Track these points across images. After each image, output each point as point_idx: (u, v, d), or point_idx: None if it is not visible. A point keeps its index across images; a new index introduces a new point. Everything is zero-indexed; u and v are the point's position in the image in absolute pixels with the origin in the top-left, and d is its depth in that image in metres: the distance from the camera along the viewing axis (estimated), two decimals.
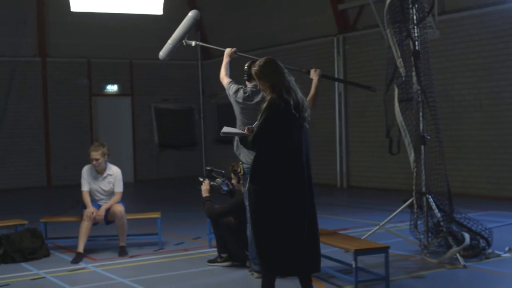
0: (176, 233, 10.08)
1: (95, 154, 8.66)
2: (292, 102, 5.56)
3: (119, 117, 20.15)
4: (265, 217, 5.49)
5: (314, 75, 6.99)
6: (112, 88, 19.92)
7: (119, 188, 8.79)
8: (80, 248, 8.33)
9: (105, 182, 8.75)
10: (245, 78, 7.17)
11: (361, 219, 11.14)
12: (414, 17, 8.22)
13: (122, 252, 8.57)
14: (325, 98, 16.76)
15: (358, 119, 16.27)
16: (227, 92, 7.28)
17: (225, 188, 7.80)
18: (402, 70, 8.09)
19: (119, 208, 8.60)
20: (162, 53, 7.98)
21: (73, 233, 9.42)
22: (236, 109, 7.11)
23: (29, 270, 7.86)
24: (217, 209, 7.61)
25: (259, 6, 18.76)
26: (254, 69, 5.83)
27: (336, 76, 16.39)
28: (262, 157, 5.55)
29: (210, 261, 7.87)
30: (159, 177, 20.25)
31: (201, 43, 7.99)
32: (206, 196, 7.77)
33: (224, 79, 7.40)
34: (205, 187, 7.79)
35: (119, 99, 20.16)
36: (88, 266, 7.99)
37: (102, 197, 8.77)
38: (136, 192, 17.72)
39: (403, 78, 8.10)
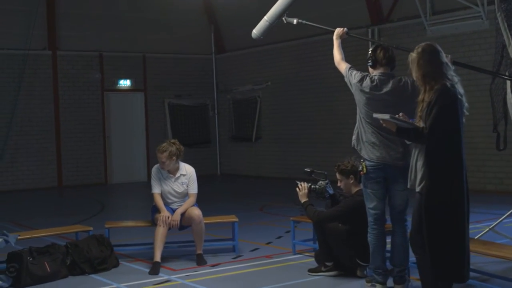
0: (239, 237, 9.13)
1: (161, 156, 7.77)
2: (459, 90, 5.05)
3: (132, 113, 19.19)
4: (443, 220, 4.88)
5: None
6: (125, 83, 18.95)
7: (194, 190, 7.91)
8: (157, 257, 7.44)
9: (178, 183, 7.87)
10: (370, 64, 6.32)
11: None
12: None
13: (201, 260, 7.70)
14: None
15: None
16: (347, 79, 6.42)
17: (331, 192, 6.97)
18: None
19: (197, 212, 7.73)
20: (256, 31, 7.07)
21: (134, 238, 8.59)
22: (360, 100, 6.24)
23: (105, 284, 6.96)
24: (327, 213, 6.78)
25: None
26: (413, 55, 5.07)
27: None
28: (437, 152, 4.87)
29: (312, 270, 7.04)
30: None
31: (305, 22, 6.99)
32: (306, 201, 6.93)
33: (341, 64, 6.55)
34: (303, 191, 6.94)
35: (132, 95, 19.18)
36: (172, 277, 7.11)
37: (175, 199, 7.89)
38: None
39: None
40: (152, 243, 8.25)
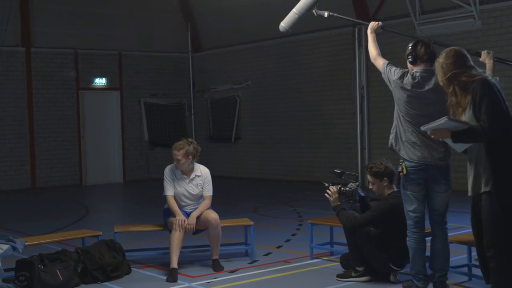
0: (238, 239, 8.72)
1: (177, 154, 7.37)
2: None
3: (107, 112, 18.64)
4: None
5: (487, 58, 5.84)
6: (100, 81, 18.37)
7: (209, 192, 7.53)
8: (174, 263, 7.03)
9: (193, 185, 7.48)
10: (410, 60, 6.01)
11: None
12: None
13: (217, 266, 7.32)
14: (345, 92, 15.86)
15: (381, 115, 15.35)
16: (384, 75, 6.13)
17: (362, 194, 6.68)
18: None
19: (213, 215, 7.35)
20: (284, 24, 6.72)
21: (139, 243, 8.19)
22: (400, 97, 5.95)
23: None
24: (362, 218, 6.47)
25: None
26: (439, 60, 5.10)
27: (357, 69, 15.46)
28: (502, 144, 4.77)
29: (340, 276, 6.75)
30: (148, 177, 18.82)
31: (336, 15, 6.67)
32: (338, 205, 6.63)
33: (378, 59, 6.26)
34: (334, 195, 6.64)
35: (108, 94, 18.62)
36: (192, 285, 6.72)
37: (189, 202, 7.50)
38: (139, 193, 16.32)
39: None
40: (162, 248, 7.99)
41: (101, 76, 18.33)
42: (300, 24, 16.82)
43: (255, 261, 7.71)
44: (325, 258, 7.74)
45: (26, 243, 6.91)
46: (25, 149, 17.13)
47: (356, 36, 15.49)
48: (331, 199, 6.63)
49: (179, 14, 19.67)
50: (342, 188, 6.66)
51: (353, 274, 6.64)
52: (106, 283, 6.87)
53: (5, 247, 6.62)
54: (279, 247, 8.55)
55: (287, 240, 9.02)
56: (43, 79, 17.39)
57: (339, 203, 6.62)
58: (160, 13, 19.03)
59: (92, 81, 18.20)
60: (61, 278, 6.64)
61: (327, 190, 6.66)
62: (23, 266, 6.59)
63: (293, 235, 9.46)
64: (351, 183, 6.67)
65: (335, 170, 6.83)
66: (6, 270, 6.61)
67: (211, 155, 18.90)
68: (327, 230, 8.06)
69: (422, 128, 5.15)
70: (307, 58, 16.83)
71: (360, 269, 6.60)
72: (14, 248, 6.72)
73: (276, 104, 17.67)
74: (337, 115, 16.15)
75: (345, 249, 7.78)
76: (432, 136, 5.05)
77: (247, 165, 18.47)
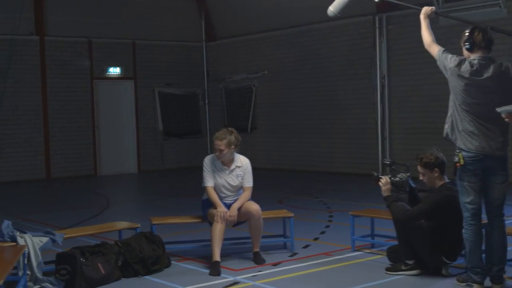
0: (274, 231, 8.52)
1: (220, 144, 7.17)
2: None
3: (121, 102, 18.43)
4: None
5: None
6: (114, 70, 18.15)
7: (249, 183, 7.35)
8: (217, 256, 6.86)
9: (233, 176, 7.29)
10: (467, 47, 5.82)
11: None
12: None
13: (259, 259, 7.16)
14: (364, 81, 15.65)
15: (402, 105, 15.17)
16: (440, 63, 5.93)
17: (413, 185, 6.49)
18: None
19: (255, 207, 7.17)
20: (333, 8, 6.47)
21: (172, 234, 8.03)
22: (456, 85, 5.75)
23: (168, 287, 6.35)
24: (415, 211, 6.28)
25: None
26: None
27: (378, 59, 15.24)
28: None
29: (389, 270, 6.58)
30: (163, 167, 18.63)
31: None
32: (388, 196, 6.44)
33: (433, 46, 6.06)
34: (386, 185, 6.45)
35: (122, 83, 18.41)
36: (237, 278, 6.54)
37: (229, 193, 7.31)
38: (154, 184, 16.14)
39: None
40: (199, 241, 7.81)
41: (115, 66, 18.11)
42: (317, 12, 16.67)
43: (295, 253, 7.54)
44: (367, 251, 7.57)
45: (65, 236, 6.73)
46: (39, 139, 16.94)
47: (377, 25, 15.26)
48: (383, 188, 6.44)
49: (193, 3, 19.42)
50: (392, 179, 6.48)
51: (403, 267, 6.47)
52: (147, 277, 6.70)
53: (45, 239, 6.45)
54: (316, 239, 8.38)
55: (322, 232, 8.85)
56: (58, 68, 17.18)
57: (390, 194, 6.44)
58: (174, 2, 18.80)
59: (106, 70, 17.99)
60: (103, 272, 6.47)
61: (380, 180, 6.46)
62: (64, 259, 6.42)
63: (327, 226, 9.29)
64: (401, 173, 6.48)
65: (385, 160, 6.65)
66: (45, 263, 6.43)
67: None
68: (364, 222, 7.90)
69: (498, 110, 4.98)
70: (325, 47, 16.61)
71: (410, 262, 6.43)
72: (53, 241, 6.55)
73: (292, 93, 17.47)
74: (356, 105, 15.95)
75: (386, 241, 7.66)
76: (507, 120, 4.88)
77: (263, 155, 18.26)
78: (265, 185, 15.14)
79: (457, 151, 5.79)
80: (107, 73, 18.03)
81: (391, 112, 15.28)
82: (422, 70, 14.42)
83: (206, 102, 19.27)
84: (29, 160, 16.81)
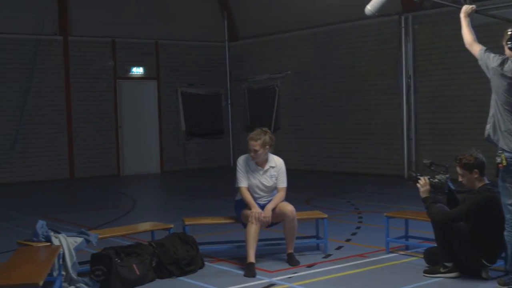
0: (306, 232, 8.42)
1: (254, 144, 7.11)
2: None
3: (144, 102, 18.42)
4: None
5: None
6: (137, 70, 18.16)
7: (283, 183, 7.30)
8: (251, 258, 6.79)
9: (267, 176, 7.23)
10: (510, 46, 5.71)
11: None
12: None
13: (293, 260, 7.08)
14: (390, 82, 15.52)
15: (428, 105, 15.01)
16: (482, 62, 5.82)
17: (452, 187, 6.39)
18: None
19: (289, 208, 7.10)
20: (370, 7, 6.34)
21: (204, 234, 7.97)
22: (499, 85, 5.65)
23: None
24: (454, 213, 6.18)
25: None
26: None
27: (404, 59, 15.10)
28: None
29: (427, 272, 6.46)
30: (186, 167, 18.59)
31: None
32: (427, 197, 6.34)
33: (475, 45, 5.93)
34: (425, 187, 6.35)
35: (145, 83, 18.40)
36: (274, 280, 6.46)
37: (262, 194, 7.25)
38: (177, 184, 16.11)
39: None
40: (233, 241, 7.75)
41: (138, 66, 18.11)
42: (342, 12, 16.36)
43: (329, 255, 7.46)
44: (401, 253, 7.46)
45: (99, 236, 6.70)
46: (63, 139, 16.98)
47: (403, 25, 15.13)
48: (422, 189, 6.34)
49: (215, 3, 19.41)
50: (431, 180, 6.38)
51: (441, 270, 6.36)
52: (181, 278, 6.64)
53: (79, 240, 6.43)
54: (348, 240, 8.29)
55: (353, 233, 8.76)
56: (81, 68, 17.21)
57: (428, 195, 6.34)
58: (196, 2, 18.79)
59: (129, 70, 18.00)
60: (138, 273, 6.43)
61: (418, 181, 6.36)
62: (99, 260, 6.37)
63: (358, 228, 9.20)
64: (440, 175, 6.38)
65: (424, 161, 6.55)
66: (79, 264, 6.40)
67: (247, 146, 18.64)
68: (397, 224, 7.79)
69: None
70: (349, 47, 16.49)
71: (449, 264, 6.32)
72: (87, 241, 6.51)
73: (316, 94, 17.37)
74: (381, 105, 15.81)
75: (420, 243, 7.56)
76: None
77: (286, 155, 17.85)
78: (290, 186, 15.07)
79: (500, 151, 5.69)
80: (130, 73, 18.04)
81: (417, 113, 15.14)
82: (448, 70, 14.30)
83: (229, 102, 19.33)
84: (52, 160, 16.84)
